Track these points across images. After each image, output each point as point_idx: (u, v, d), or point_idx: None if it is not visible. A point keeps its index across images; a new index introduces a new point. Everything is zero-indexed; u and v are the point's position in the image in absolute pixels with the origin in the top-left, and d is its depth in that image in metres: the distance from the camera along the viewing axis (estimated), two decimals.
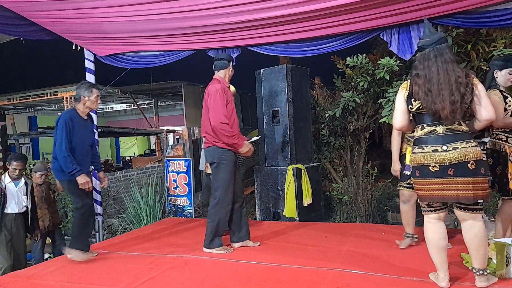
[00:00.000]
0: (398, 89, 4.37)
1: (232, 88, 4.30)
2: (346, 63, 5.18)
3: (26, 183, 4.41)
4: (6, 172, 4.38)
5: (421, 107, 2.40)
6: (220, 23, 4.03)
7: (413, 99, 2.43)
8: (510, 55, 3.29)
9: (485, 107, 2.33)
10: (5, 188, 4.27)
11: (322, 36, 4.30)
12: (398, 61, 4.46)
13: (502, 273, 2.52)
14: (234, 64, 3.74)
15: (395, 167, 3.47)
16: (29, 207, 4.40)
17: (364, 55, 4.94)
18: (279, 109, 5.04)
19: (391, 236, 3.72)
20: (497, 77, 3.04)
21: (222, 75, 3.62)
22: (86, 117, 3.63)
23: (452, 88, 2.28)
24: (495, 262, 2.53)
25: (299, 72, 5.19)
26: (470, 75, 2.34)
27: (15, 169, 4.31)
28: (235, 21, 3.96)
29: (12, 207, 4.26)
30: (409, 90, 2.46)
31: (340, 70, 5.61)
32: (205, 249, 3.52)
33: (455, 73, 2.30)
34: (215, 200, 3.51)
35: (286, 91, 4.97)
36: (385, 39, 4.11)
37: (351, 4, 3.51)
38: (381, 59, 4.68)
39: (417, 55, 2.52)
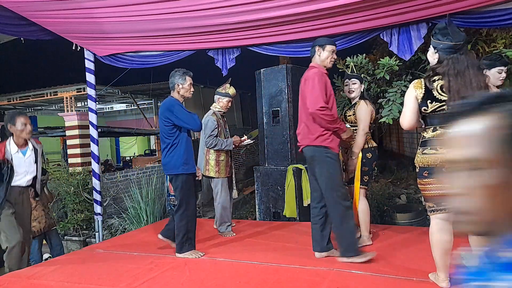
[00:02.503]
0: (398, 89, 4.43)
1: (232, 89, 4.31)
2: (346, 63, 5.17)
3: (35, 149, 3.73)
4: (10, 138, 3.59)
5: (437, 109, 2.35)
6: (221, 23, 4.03)
7: (429, 101, 2.36)
8: (496, 54, 3.33)
9: None
10: (12, 159, 3.56)
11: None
12: (398, 61, 4.46)
13: None
14: (331, 45, 3.23)
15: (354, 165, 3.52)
16: (38, 175, 3.76)
17: (364, 55, 4.94)
18: (279, 109, 5.04)
19: (391, 236, 3.72)
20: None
21: (314, 61, 3.27)
22: None
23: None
24: None
25: (299, 72, 5.18)
26: (486, 77, 2.32)
27: (25, 125, 3.52)
28: (235, 21, 3.96)
29: (20, 181, 3.61)
30: (424, 90, 2.38)
31: (340, 70, 5.60)
32: (343, 259, 3.05)
33: (479, 78, 2.27)
34: (328, 201, 3.08)
35: (286, 91, 4.97)
36: (385, 39, 4.11)
37: (351, 4, 3.51)
38: (381, 59, 4.68)
39: (441, 56, 2.41)
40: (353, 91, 3.63)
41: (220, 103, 4.29)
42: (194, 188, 3.57)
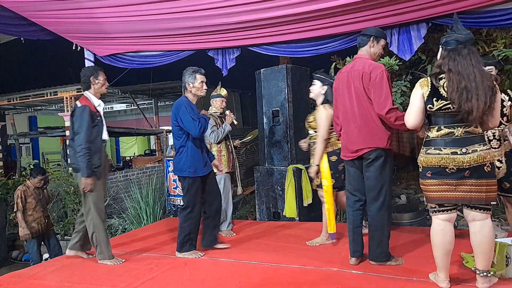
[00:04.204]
0: (398, 89, 4.43)
1: (223, 90, 4.39)
2: (346, 63, 5.17)
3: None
4: (88, 92, 3.46)
5: (443, 107, 2.32)
6: (221, 23, 4.03)
7: (434, 99, 2.33)
8: (487, 55, 3.34)
9: (497, 115, 2.34)
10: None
11: (322, 36, 4.31)
12: (398, 61, 4.46)
13: (502, 273, 2.52)
14: (384, 39, 3.04)
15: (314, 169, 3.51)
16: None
17: None
18: (279, 109, 5.04)
19: (391, 236, 3.71)
20: None
21: (364, 52, 3.00)
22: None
23: (485, 89, 2.22)
24: (495, 262, 2.52)
25: (299, 72, 5.19)
26: (493, 79, 2.30)
27: (105, 80, 3.50)
28: (235, 21, 3.96)
29: (104, 136, 3.47)
30: (431, 88, 2.36)
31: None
32: (372, 262, 2.95)
33: (486, 76, 2.25)
34: (377, 202, 2.89)
35: (286, 91, 4.97)
36: None
37: (351, 4, 3.52)
38: (381, 59, 4.68)
39: (443, 50, 2.40)
40: (311, 92, 3.58)
41: (214, 105, 4.40)
42: (203, 190, 3.52)
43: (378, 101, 2.78)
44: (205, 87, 3.50)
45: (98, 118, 3.39)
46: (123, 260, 3.44)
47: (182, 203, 3.51)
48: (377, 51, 3.00)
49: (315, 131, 3.54)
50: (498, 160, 3.04)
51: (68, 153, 7.62)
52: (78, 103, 3.35)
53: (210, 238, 3.64)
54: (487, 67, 3.09)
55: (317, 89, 3.53)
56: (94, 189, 3.30)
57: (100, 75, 3.48)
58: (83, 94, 3.47)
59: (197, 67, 3.50)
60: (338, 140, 3.40)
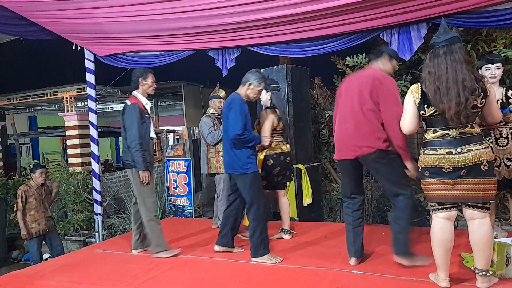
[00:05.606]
0: (398, 88, 4.42)
1: (222, 91, 4.43)
2: (346, 63, 5.18)
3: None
4: (136, 92, 3.64)
5: (434, 113, 2.37)
6: (221, 23, 4.03)
7: (425, 105, 2.38)
8: (487, 53, 3.37)
9: (494, 113, 2.39)
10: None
11: (322, 36, 4.30)
12: (398, 61, 4.46)
13: (502, 273, 2.52)
14: (397, 60, 3.16)
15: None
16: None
17: (364, 55, 4.94)
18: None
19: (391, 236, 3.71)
20: None
21: (374, 65, 3.06)
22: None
23: (459, 89, 2.24)
24: (495, 262, 2.53)
25: (299, 72, 5.20)
26: (481, 80, 2.30)
27: (153, 82, 3.67)
28: (235, 21, 3.96)
29: (152, 134, 3.65)
30: (421, 95, 2.41)
31: (340, 70, 5.60)
32: (397, 257, 2.88)
33: (463, 75, 2.26)
34: (402, 197, 2.83)
35: (286, 91, 4.97)
36: (385, 39, 4.11)
37: (351, 4, 3.51)
38: None
39: (429, 53, 2.47)
40: (261, 99, 3.78)
41: (213, 106, 4.46)
42: (262, 189, 3.43)
43: (391, 108, 2.77)
44: (258, 96, 3.51)
45: (146, 115, 3.56)
46: (180, 249, 3.55)
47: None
48: (387, 69, 3.04)
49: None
50: (508, 159, 3.04)
51: (68, 153, 7.61)
52: (128, 102, 3.56)
53: (228, 237, 3.53)
54: (495, 64, 3.11)
55: (263, 96, 3.75)
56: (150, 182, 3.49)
57: (149, 77, 3.64)
58: (131, 94, 3.68)
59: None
60: (283, 144, 3.75)
